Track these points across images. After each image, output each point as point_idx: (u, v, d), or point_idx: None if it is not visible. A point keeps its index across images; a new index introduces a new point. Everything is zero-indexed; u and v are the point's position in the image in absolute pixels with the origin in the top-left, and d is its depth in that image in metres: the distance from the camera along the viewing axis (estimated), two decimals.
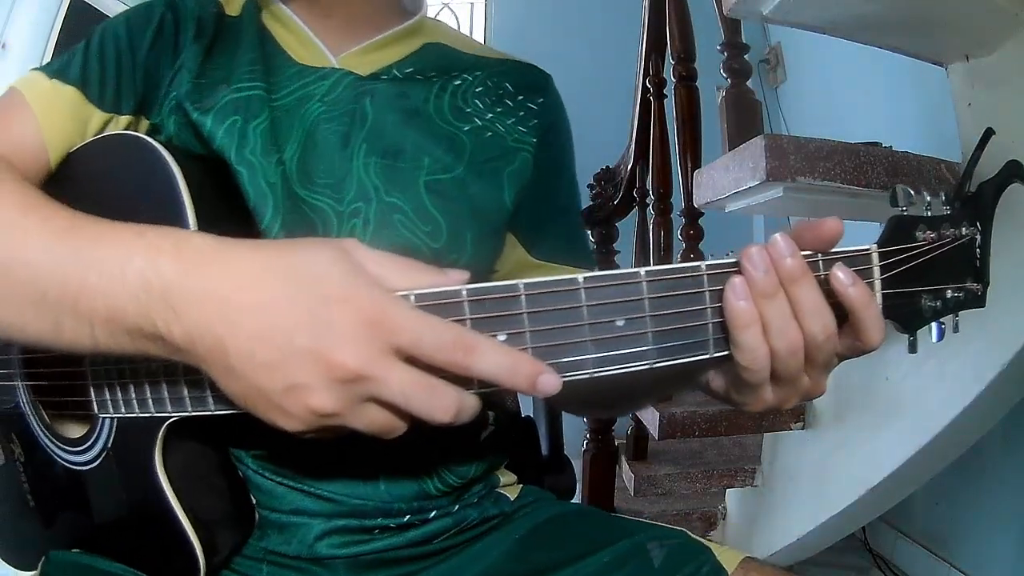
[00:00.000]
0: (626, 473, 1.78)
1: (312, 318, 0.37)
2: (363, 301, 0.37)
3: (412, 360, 0.38)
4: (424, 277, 0.40)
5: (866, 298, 0.42)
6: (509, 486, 0.70)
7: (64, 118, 0.57)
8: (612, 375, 0.41)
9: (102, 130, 0.59)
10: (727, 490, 1.82)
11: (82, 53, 0.60)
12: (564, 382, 0.39)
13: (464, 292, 0.39)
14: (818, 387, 0.45)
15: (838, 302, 0.42)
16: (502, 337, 0.39)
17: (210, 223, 0.49)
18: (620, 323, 0.40)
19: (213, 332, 0.37)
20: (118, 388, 0.51)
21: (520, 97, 0.69)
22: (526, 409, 0.88)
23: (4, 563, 0.66)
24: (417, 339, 0.37)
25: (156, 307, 0.38)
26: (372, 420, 0.39)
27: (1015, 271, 1.01)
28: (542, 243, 0.69)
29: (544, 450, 0.91)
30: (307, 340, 0.36)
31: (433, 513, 0.61)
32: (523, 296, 0.39)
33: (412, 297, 0.39)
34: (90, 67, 0.59)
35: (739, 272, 0.41)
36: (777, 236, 0.41)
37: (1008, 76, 1.08)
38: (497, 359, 0.38)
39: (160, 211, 0.50)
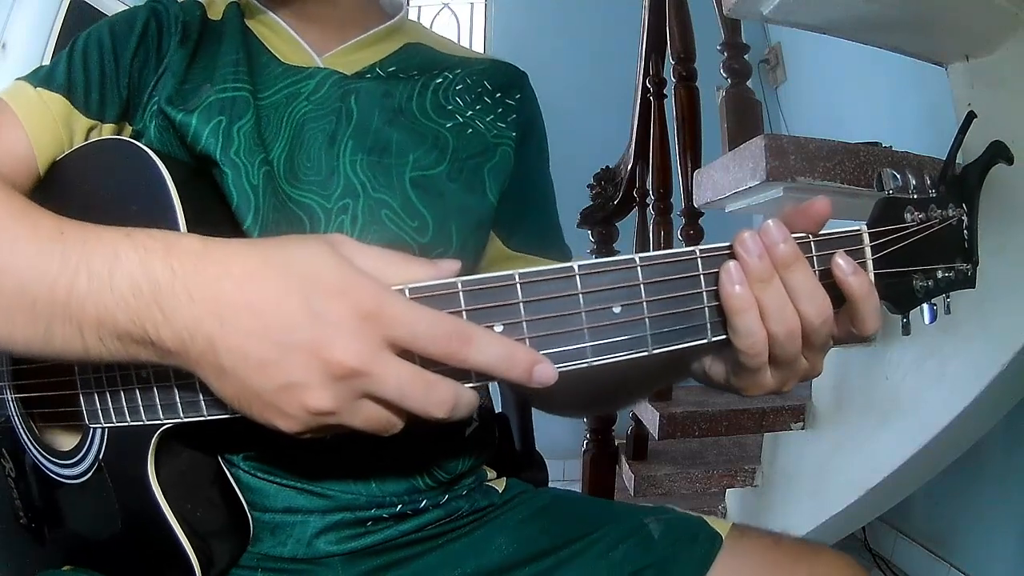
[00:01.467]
0: (626, 473, 1.78)
1: (307, 313, 0.36)
2: (358, 294, 0.37)
3: (408, 354, 0.37)
4: (415, 269, 0.40)
5: (866, 287, 0.42)
6: (495, 480, 0.71)
7: (51, 126, 0.57)
8: (610, 363, 0.41)
9: (87, 137, 0.59)
10: (727, 490, 1.82)
11: (66, 60, 0.59)
12: (562, 372, 0.39)
13: (459, 284, 0.39)
14: (815, 369, 0.45)
15: (833, 284, 0.42)
16: (499, 328, 0.39)
17: (199, 224, 0.48)
18: (617, 310, 0.40)
19: (203, 333, 0.37)
20: (108, 396, 0.50)
21: (498, 95, 0.70)
22: (497, 406, 0.89)
23: None
24: (413, 332, 0.37)
25: (145, 310, 0.38)
26: (368, 417, 0.38)
27: (1014, 271, 1.01)
28: (518, 234, 0.70)
29: (516, 445, 0.92)
30: (302, 336, 0.36)
31: (424, 503, 0.62)
32: (518, 285, 0.39)
33: (407, 291, 0.39)
34: (75, 74, 0.59)
35: (733, 256, 0.41)
36: (769, 222, 0.41)
37: (1008, 76, 1.08)
38: (494, 350, 0.37)
39: (150, 214, 0.49)
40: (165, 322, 0.37)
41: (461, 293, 0.39)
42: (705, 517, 0.63)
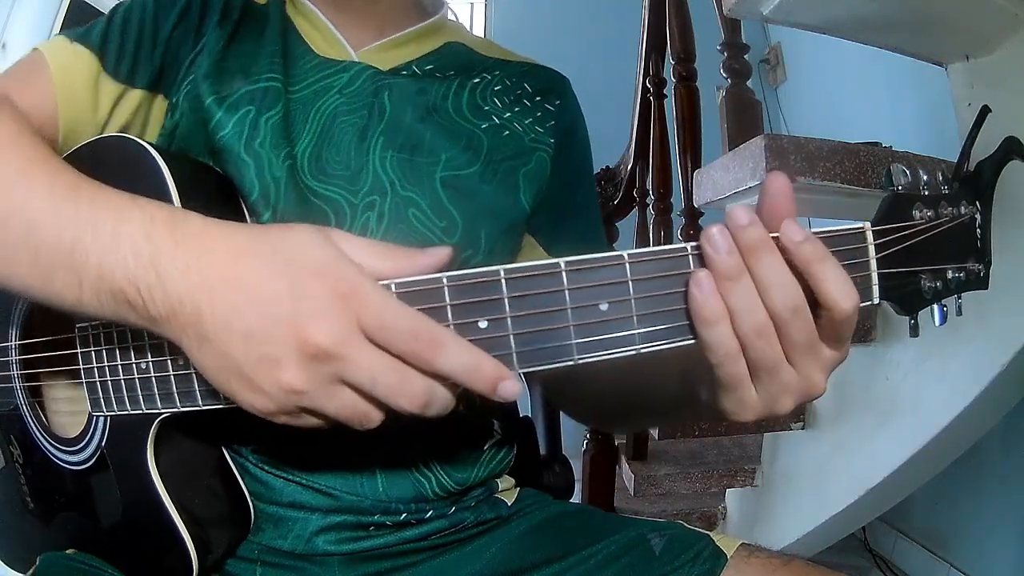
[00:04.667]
0: (626, 473, 1.78)
1: (289, 290, 0.37)
2: (336, 276, 0.37)
3: (380, 346, 0.37)
4: (403, 260, 0.40)
5: (819, 252, 0.39)
6: (507, 490, 0.70)
7: (79, 81, 0.58)
8: (598, 361, 0.40)
9: (114, 105, 0.60)
10: (727, 490, 1.82)
11: (105, 22, 0.61)
12: (549, 370, 0.39)
13: (444, 279, 0.39)
14: (811, 383, 0.41)
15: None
16: (483, 323, 0.39)
17: None
18: (604, 307, 0.39)
19: (192, 301, 0.38)
20: (110, 385, 0.51)
21: (538, 98, 0.69)
22: (523, 409, 0.88)
23: (4, 564, 0.67)
24: (381, 321, 0.37)
25: (142, 272, 0.39)
26: (343, 404, 0.38)
27: (1015, 271, 1.01)
28: (560, 243, 0.68)
29: (542, 449, 0.91)
30: (282, 311, 0.37)
31: (430, 513, 0.61)
32: (504, 281, 0.39)
33: (393, 286, 0.39)
34: (111, 36, 0.60)
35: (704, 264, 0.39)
36: (736, 207, 0.39)
37: (1008, 76, 1.08)
38: (461, 359, 0.37)
39: None
40: (159, 286, 0.39)
41: (446, 288, 0.39)
42: (713, 535, 0.61)
